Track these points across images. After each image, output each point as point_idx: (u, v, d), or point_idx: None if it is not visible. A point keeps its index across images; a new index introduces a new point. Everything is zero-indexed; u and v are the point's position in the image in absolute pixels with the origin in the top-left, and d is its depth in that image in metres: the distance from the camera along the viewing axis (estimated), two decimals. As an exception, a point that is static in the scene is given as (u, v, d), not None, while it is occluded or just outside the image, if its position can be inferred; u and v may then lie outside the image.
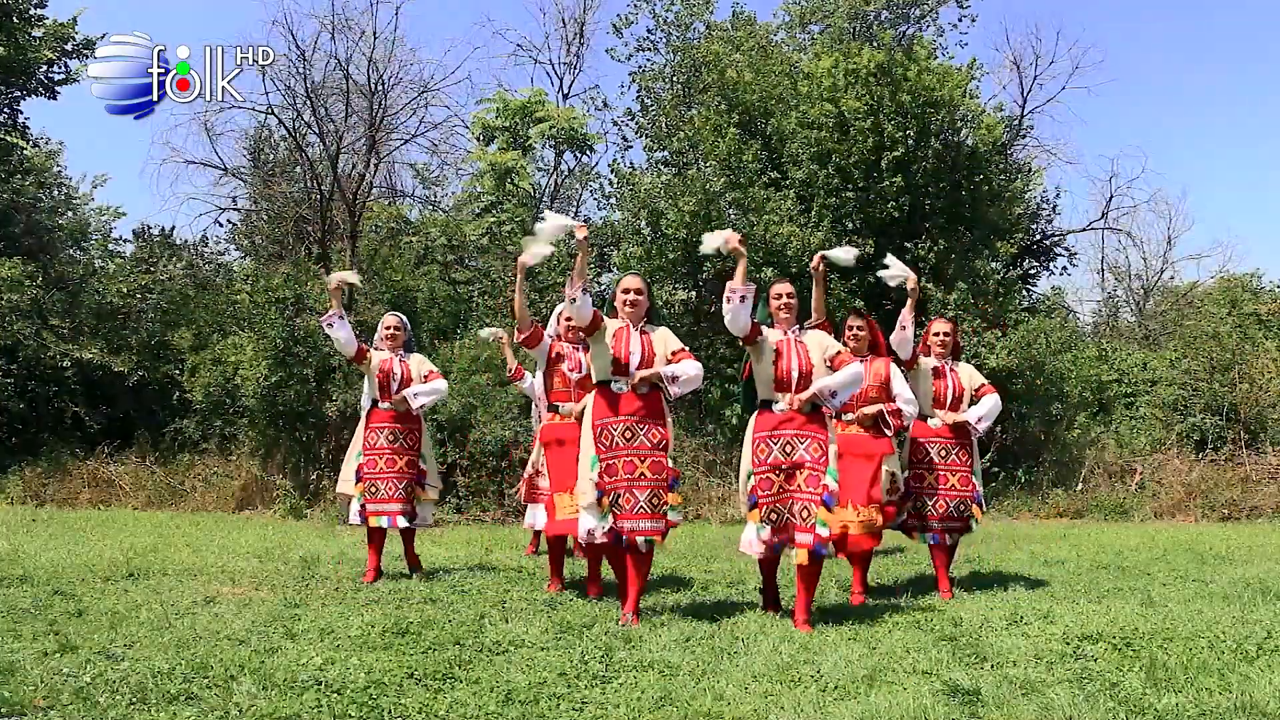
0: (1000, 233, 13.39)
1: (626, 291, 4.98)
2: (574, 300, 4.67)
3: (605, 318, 4.89)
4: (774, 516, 4.62)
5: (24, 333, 12.77)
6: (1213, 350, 13.26)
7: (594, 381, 4.91)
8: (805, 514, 4.55)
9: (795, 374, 4.70)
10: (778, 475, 4.63)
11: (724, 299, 4.64)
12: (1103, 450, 12.67)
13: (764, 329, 4.80)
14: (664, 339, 4.94)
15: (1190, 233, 42.37)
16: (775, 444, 4.67)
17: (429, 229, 16.12)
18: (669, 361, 4.87)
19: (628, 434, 4.75)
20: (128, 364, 13.23)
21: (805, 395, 4.65)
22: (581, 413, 5.06)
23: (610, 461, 4.71)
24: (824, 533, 4.52)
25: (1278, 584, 5.58)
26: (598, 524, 4.68)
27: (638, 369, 4.80)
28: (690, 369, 4.84)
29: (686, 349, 4.96)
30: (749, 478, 4.70)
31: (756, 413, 4.81)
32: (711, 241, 4.73)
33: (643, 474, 4.72)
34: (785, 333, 4.84)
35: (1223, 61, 33.90)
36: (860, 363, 4.84)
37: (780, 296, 4.90)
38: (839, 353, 4.79)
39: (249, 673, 3.49)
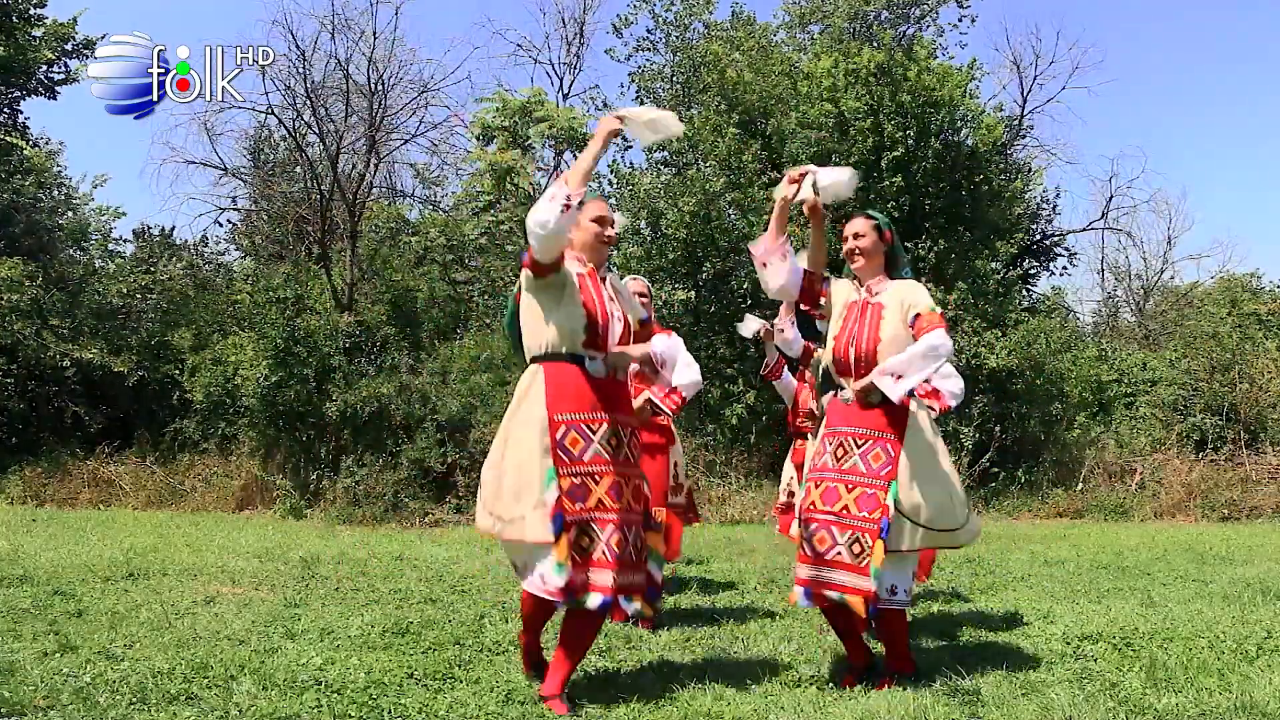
0: (1000, 233, 13.40)
1: (603, 221, 3.43)
2: (567, 208, 3.07)
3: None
4: (810, 546, 3.39)
5: (24, 333, 12.76)
6: (1213, 350, 13.26)
7: (545, 351, 3.29)
8: (856, 548, 3.35)
9: (852, 354, 3.51)
10: (816, 487, 3.47)
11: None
12: (1103, 450, 12.67)
13: (834, 283, 3.66)
14: (627, 298, 3.59)
15: (1190, 233, 42.37)
16: (830, 444, 3.52)
17: (428, 229, 16.12)
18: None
19: (611, 441, 3.25)
20: (128, 364, 13.23)
21: (859, 385, 3.45)
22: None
23: (579, 480, 3.16)
24: (872, 585, 3.29)
25: (1278, 584, 5.58)
26: (554, 572, 3.06)
27: (619, 343, 3.36)
28: (678, 347, 3.69)
29: (653, 318, 3.73)
30: (802, 487, 3.60)
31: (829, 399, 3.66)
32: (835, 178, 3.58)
33: (628, 503, 3.24)
34: (858, 290, 3.63)
35: (1223, 61, 33.95)
36: (944, 330, 3.45)
37: (849, 238, 3.63)
38: (919, 315, 3.45)
39: (249, 673, 3.49)
